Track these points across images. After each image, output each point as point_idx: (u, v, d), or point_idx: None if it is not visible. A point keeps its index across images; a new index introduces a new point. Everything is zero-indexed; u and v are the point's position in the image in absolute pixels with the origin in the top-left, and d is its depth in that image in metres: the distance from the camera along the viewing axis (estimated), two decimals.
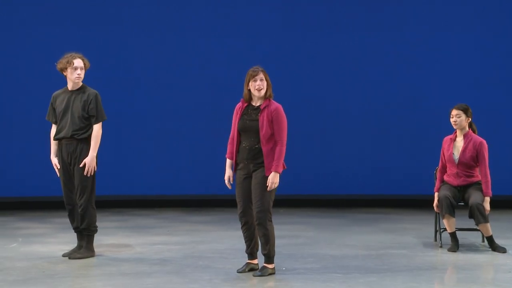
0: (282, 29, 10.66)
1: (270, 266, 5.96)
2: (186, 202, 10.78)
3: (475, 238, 7.59)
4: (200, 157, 10.69)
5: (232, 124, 6.04)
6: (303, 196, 10.79)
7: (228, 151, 6.07)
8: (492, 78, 10.51)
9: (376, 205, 10.56)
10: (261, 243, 5.95)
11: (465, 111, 7.09)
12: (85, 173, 6.58)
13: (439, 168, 7.27)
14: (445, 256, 6.78)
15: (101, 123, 6.67)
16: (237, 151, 6.00)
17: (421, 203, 10.16)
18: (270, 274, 5.93)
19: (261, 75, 5.91)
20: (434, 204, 7.10)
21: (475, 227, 7.46)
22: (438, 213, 7.17)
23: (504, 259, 6.58)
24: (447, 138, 7.25)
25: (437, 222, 7.40)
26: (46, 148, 10.52)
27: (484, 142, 7.09)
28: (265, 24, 10.65)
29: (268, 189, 5.83)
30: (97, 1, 10.63)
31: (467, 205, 6.98)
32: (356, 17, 10.65)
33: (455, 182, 7.11)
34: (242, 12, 10.68)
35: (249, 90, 5.96)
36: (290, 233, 8.14)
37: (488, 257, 6.71)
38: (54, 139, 6.75)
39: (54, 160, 6.77)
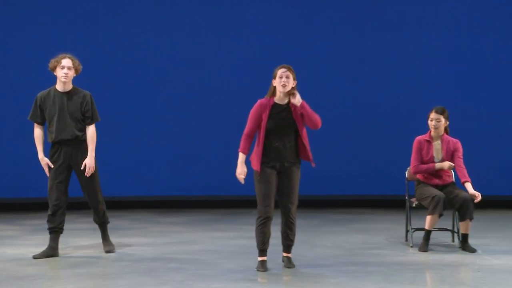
0: (271, 29, 10.65)
1: (291, 255, 6.30)
2: (159, 203, 10.74)
3: (445, 238, 7.66)
4: (174, 158, 10.66)
5: (252, 121, 6.04)
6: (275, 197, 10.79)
7: (242, 146, 6.07)
8: (480, 78, 10.57)
9: (347, 206, 10.60)
10: (288, 234, 6.14)
11: (444, 115, 7.16)
12: (86, 174, 6.71)
13: (417, 164, 7.18)
14: (416, 256, 6.83)
15: (95, 124, 6.80)
16: (266, 150, 6.02)
17: (392, 204, 10.22)
18: None
19: (286, 72, 6.02)
20: (445, 165, 7.05)
21: (445, 227, 7.54)
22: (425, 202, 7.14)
23: (474, 259, 6.65)
24: (422, 140, 7.24)
25: (408, 222, 7.44)
26: (17, 148, 10.48)
27: (459, 141, 7.22)
28: (259, 26, 10.64)
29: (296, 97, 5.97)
30: (97, 2, 10.56)
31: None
32: (344, 18, 10.67)
33: (435, 181, 7.14)
34: (243, 12, 10.67)
35: (275, 87, 6.06)
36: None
37: (458, 257, 6.77)
38: (53, 141, 6.75)
39: (45, 160, 6.78)
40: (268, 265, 6.17)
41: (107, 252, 6.93)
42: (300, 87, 10.09)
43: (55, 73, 6.77)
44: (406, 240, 7.49)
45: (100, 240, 7.12)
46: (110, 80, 10.37)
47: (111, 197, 10.56)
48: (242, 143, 6.09)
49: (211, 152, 10.61)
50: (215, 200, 10.81)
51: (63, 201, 6.76)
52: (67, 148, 6.73)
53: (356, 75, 10.64)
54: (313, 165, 6.22)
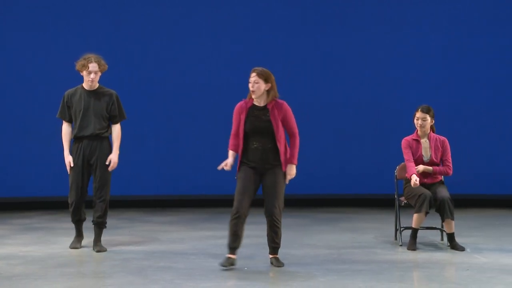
0: (270, 29, 10.64)
1: (278, 255, 6.28)
2: (148, 202, 10.72)
3: (434, 236, 7.68)
4: (163, 158, 10.64)
5: (235, 122, 6.15)
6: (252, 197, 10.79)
7: (231, 143, 6.18)
8: (479, 78, 10.60)
9: (336, 205, 10.62)
10: (273, 237, 6.17)
11: (430, 114, 7.19)
12: (110, 169, 6.97)
13: (408, 159, 7.16)
14: (405, 255, 6.85)
15: (120, 122, 7.07)
16: (245, 151, 6.11)
17: (381, 203, 10.25)
18: None
19: (255, 77, 6.07)
20: (414, 183, 6.99)
21: (434, 225, 7.57)
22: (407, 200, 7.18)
23: (463, 257, 6.68)
24: (410, 140, 7.26)
25: (397, 221, 7.46)
26: (5, 148, 10.42)
27: (446, 139, 7.27)
28: (259, 26, 10.63)
29: (287, 181, 6.13)
30: (98, 2, 10.53)
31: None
32: (344, 18, 10.66)
33: (424, 180, 7.16)
34: (243, 12, 10.66)
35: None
36: (252, 233, 8.13)
37: (447, 255, 6.80)
38: (76, 137, 6.95)
39: (69, 158, 6.97)
40: (258, 263, 6.17)
41: (97, 251, 6.94)
42: (295, 86, 10.03)
43: (81, 74, 6.97)
44: (395, 238, 7.51)
45: (90, 239, 7.12)
46: (110, 80, 10.30)
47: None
48: (230, 141, 6.21)
49: (200, 152, 10.59)
50: (204, 199, 10.80)
51: (81, 199, 7.02)
52: (88, 143, 6.94)
53: (350, 78, 10.65)
54: (284, 169, 6.15)
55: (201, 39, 10.60)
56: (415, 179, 7.03)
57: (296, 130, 6.20)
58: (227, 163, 6.19)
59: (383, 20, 10.64)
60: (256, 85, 6.06)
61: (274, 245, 6.25)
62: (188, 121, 10.62)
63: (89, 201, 7.10)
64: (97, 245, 7.00)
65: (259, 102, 6.14)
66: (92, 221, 7.05)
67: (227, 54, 10.58)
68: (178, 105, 10.60)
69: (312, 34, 10.65)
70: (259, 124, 6.08)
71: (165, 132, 10.65)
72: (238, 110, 6.17)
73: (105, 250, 6.97)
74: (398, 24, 10.65)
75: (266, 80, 6.08)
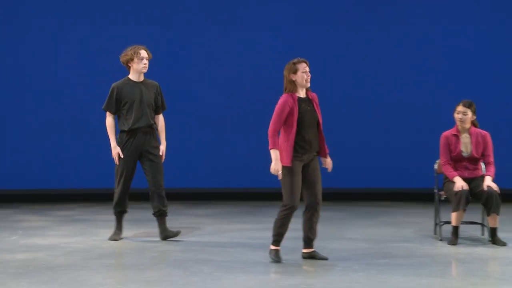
0: (285, 25, 10.61)
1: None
2: (186, 195, 10.78)
3: (474, 231, 7.59)
4: (204, 151, 10.68)
5: (280, 117, 5.97)
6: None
7: (274, 143, 6.00)
8: (500, 73, 10.48)
9: (376, 199, 10.57)
10: (314, 228, 6.24)
11: (471, 109, 7.10)
12: (162, 160, 7.16)
13: (445, 161, 7.14)
14: (445, 249, 6.78)
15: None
16: (294, 144, 6.00)
17: (420, 197, 10.17)
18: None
19: (308, 67, 6.10)
20: (458, 186, 6.91)
21: (475, 220, 7.48)
22: (450, 196, 7.09)
23: (504, 253, 6.59)
24: (448, 135, 7.18)
25: (437, 215, 7.40)
26: (45, 141, 10.57)
27: (488, 133, 7.16)
28: (269, 20, 10.60)
29: (330, 169, 6.25)
30: (99, 3, 10.61)
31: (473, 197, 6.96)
32: (363, 13, 10.59)
33: (464, 174, 7.09)
34: (249, 10, 10.65)
35: (292, 81, 6.03)
36: (291, 226, 8.11)
37: (488, 251, 6.72)
38: (131, 129, 6.99)
39: (118, 149, 7.05)
40: (296, 256, 6.16)
41: (175, 235, 7.16)
42: (337, 84, 9.74)
43: (129, 65, 7.02)
44: (435, 233, 7.44)
45: (128, 232, 7.21)
46: (109, 79, 10.37)
47: (141, 189, 10.62)
48: (272, 140, 6.00)
49: (241, 144, 10.60)
50: (244, 193, 10.81)
51: (128, 191, 7.19)
52: (141, 135, 7.03)
53: (392, 72, 10.57)
54: (325, 156, 6.28)
55: (208, 36, 10.52)
56: (460, 184, 6.93)
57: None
58: (277, 170, 6.00)
59: (382, 20, 10.54)
60: (309, 76, 6.08)
61: (313, 237, 6.26)
62: (230, 115, 10.61)
63: (144, 193, 7.20)
64: (164, 232, 7.16)
65: (300, 93, 6.10)
66: (154, 213, 7.16)
67: (237, 51, 10.46)
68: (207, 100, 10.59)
69: (319, 31, 10.57)
70: (309, 116, 6.05)
71: (209, 125, 10.65)
72: (289, 104, 5.99)
73: (179, 234, 7.19)
74: (397, 23, 10.54)
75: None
